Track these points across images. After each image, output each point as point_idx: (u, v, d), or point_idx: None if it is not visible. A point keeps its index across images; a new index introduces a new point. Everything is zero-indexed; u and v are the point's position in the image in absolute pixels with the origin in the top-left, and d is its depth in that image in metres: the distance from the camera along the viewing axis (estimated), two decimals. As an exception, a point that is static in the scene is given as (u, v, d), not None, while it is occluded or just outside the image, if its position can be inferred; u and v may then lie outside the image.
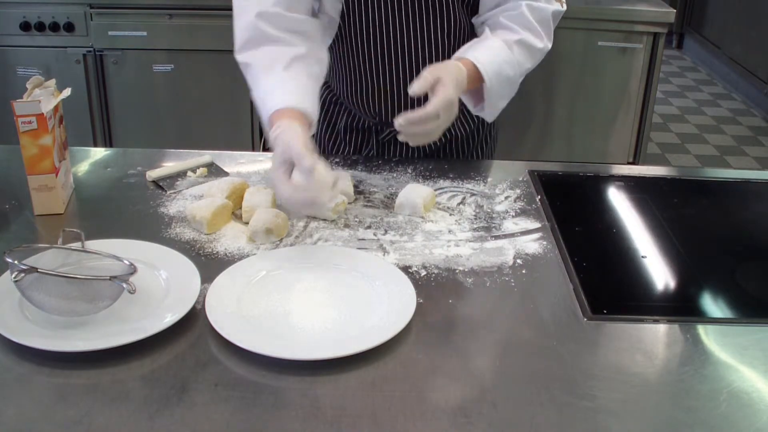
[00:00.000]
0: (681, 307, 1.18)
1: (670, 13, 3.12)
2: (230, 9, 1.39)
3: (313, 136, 1.66)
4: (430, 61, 1.47)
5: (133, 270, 1.05)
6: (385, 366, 0.99)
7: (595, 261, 1.25)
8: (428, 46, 1.46)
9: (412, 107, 1.43)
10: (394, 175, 1.50)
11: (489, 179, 1.51)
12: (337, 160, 1.56)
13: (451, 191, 1.45)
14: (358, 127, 1.63)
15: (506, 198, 1.43)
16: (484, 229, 1.32)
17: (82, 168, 1.51)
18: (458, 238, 1.28)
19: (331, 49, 1.50)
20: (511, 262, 1.22)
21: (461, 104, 1.41)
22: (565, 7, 1.49)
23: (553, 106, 3.33)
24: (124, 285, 1.01)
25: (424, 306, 1.10)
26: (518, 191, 1.46)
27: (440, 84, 1.27)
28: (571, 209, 1.43)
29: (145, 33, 3.06)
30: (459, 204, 1.40)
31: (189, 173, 1.48)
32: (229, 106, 3.16)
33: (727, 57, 5.22)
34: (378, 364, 0.99)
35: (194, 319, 1.05)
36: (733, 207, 1.52)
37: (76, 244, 1.14)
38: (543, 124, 3.35)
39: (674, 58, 5.85)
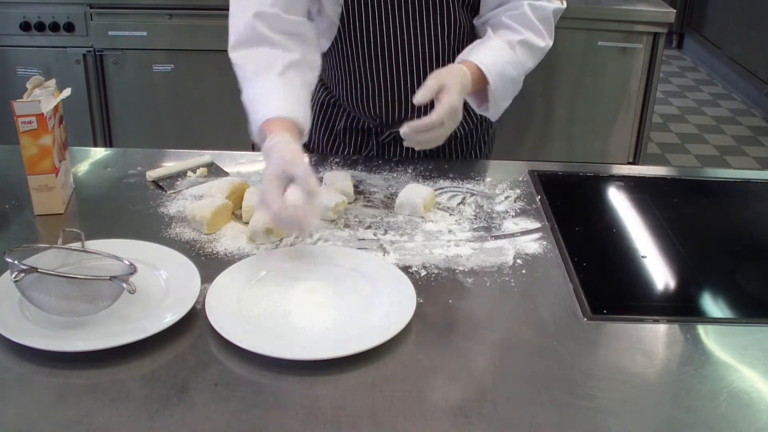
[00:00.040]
0: (681, 307, 1.18)
1: (670, 13, 3.12)
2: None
3: (309, 138, 1.68)
4: (431, 62, 1.47)
5: (133, 270, 1.05)
6: (385, 366, 0.99)
7: (595, 261, 1.25)
8: (429, 48, 1.46)
9: (414, 108, 1.44)
10: (394, 175, 1.50)
11: (489, 179, 1.51)
12: (337, 160, 1.56)
13: (451, 191, 1.45)
14: (357, 129, 1.63)
15: (506, 198, 1.43)
16: (484, 229, 1.32)
17: (82, 168, 1.51)
18: (458, 238, 1.28)
19: (330, 52, 1.50)
20: (511, 262, 1.22)
21: None
22: (565, 5, 1.49)
23: (553, 106, 3.33)
24: (124, 285, 1.01)
25: (424, 306, 1.10)
26: (518, 191, 1.46)
27: (444, 91, 1.29)
28: (571, 209, 1.43)
29: (145, 33, 3.06)
30: (459, 204, 1.40)
31: (189, 173, 1.48)
32: (229, 106, 3.14)
33: (727, 57, 5.22)
34: (378, 364, 0.99)
35: (194, 319, 1.06)
36: (733, 207, 1.52)
37: (76, 244, 1.14)
38: (543, 124, 3.35)
39: (674, 58, 5.85)
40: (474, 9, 1.47)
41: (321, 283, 1.15)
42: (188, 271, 1.14)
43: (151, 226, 1.30)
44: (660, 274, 1.26)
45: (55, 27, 3.03)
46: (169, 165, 1.50)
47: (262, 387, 0.94)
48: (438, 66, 1.46)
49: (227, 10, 1.38)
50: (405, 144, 1.32)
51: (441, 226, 1.32)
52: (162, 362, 0.98)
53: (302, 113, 1.27)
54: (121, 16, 3.05)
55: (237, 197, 1.34)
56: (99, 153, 1.60)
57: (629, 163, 3.37)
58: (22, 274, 0.98)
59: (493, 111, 1.47)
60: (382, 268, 1.18)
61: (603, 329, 1.09)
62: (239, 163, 1.53)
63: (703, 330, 1.09)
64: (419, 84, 1.46)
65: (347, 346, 0.99)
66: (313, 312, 1.09)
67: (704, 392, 0.96)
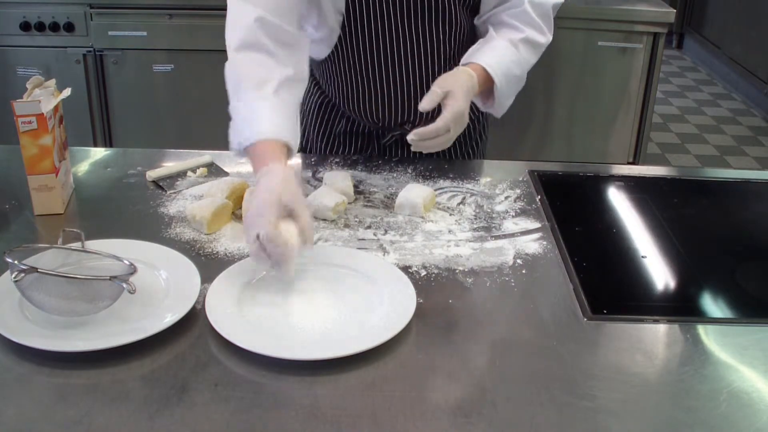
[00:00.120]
0: (681, 307, 1.18)
1: (670, 13, 3.12)
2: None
3: (307, 141, 1.67)
4: (433, 66, 1.47)
5: (133, 270, 1.05)
6: (385, 366, 0.99)
7: (595, 261, 1.25)
8: (431, 51, 1.46)
9: (416, 112, 1.45)
10: (394, 175, 1.50)
11: (489, 179, 1.51)
12: (337, 160, 1.56)
13: (451, 191, 1.45)
14: (357, 132, 1.62)
15: (506, 198, 1.43)
16: (484, 229, 1.32)
17: (82, 168, 1.51)
18: (458, 238, 1.28)
19: (329, 59, 1.50)
20: (511, 262, 1.22)
21: None
22: None
23: (553, 106, 3.32)
24: (124, 285, 1.01)
25: (424, 306, 1.10)
26: (518, 191, 1.46)
27: (450, 97, 1.31)
28: (571, 209, 1.43)
29: (145, 33, 3.06)
30: (459, 204, 1.40)
31: (189, 173, 1.48)
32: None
33: (727, 57, 5.22)
34: (378, 364, 0.99)
35: (194, 319, 1.05)
36: (733, 207, 1.52)
37: (76, 244, 1.14)
38: (543, 124, 3.35)
39: (674, 58, 5.84)
40: (474, 9, 1.47)
41: (321, 283, 1.14)
42: (188, 271, 1.14)
43: (151, 226, 1.30)
44: (660, 274, 1.26)
45: (55, 27, 3.03)
46: (169, 165, 1.50)
47: (262, 387, 0.94)
48: (440, 68, 1.47)
49: (226, 9, 1.38)
50: (412, 149, 1.34)
51: (441, 226, 1.32)
52: (162, 362, 0.98)
53: (293, 135, 1.26)
54: (121, 16, 3.05)
55: (237, 197, 1.34)
56: (99, 153, 1.60)
57: (629, 163, 3.37)
58: (22, 274, 0.98)
59: (498, 109, 1.49)
60: (382, 268, 1.18)
61: (603, 329, 1.09)
62: (239, 163, 1.53)
63: (703, 330, 1.09)
64: (422, 87, 1.47)
65: (347, 346, 0.99)
66: (313, 312, 1.09)
67: (704, 392, 0.96)
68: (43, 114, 1.25)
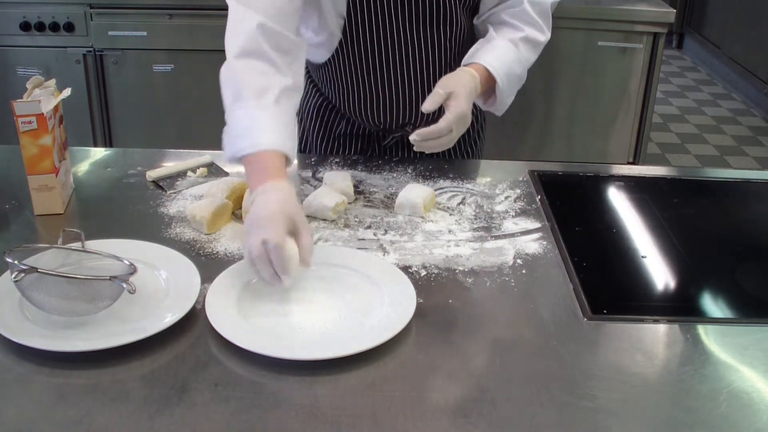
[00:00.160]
0: (681, 307, 1.18)
1: (670, 13, 3.12)
2: (230, 9, 1.38)
3: (307, 142, 1.67)
4: (434, 68, 1.48)
5: (133, 270, 1.05)
6: (385, 366, 0.99)
7: (595, 261, 1.25)
8: (432, 52, 1.46)
9: (418, 114, 1.45)
10: (394, 175, 1.50)
11: (489, 179, 1.51)
12: (337, 160, 1.56)
13: (451, 191, 1.45)
14: (357, 134, 1.62)
15: (506, 198, 1.43)
16: (484, 229, 1.32)
17: (82, 168, 1.51)
18: (458, 238, 1.28)
19: (329, 62, 1.49)
20: (511, 262, 1.22)
21: None
22: None
23: (553, 106, 3.32)
24: (124, 285, 1.01)
25: (424, 306, 1.10)
26: (518, 191, 1.46)
27: (453, 98, 1.32)
28: (571, 209, 1.43)
29: (145, 33, 3.06)
30: (459, 204, 1.40)
31: (189, 173, 1.48)
32: (229, 106, 3.15)
33: (727, 57, 5.22)
34: (378, 364, 0.99)
35: (194, 319, 1.06)
36: (733, 207, 1.52)
37: (76, 244, 1.14)
38: (543, 124, 3.35)
39: (674, 58, 5.84)
40: (474, 10, 1.47)
41: (321, 283, 1.14)
42: (188, 271, 1.14)
43: (151, 226, 1.30)
44: (660, 274, 1.26)
45: (55, 27, 3.03)
46: (169, 165, 1.50)
47: (262, 387, 0.94)
48: (441, 70, 1.47)
49: (227, 10, 1.37)
50: (414, 149, 1.34)
51: (441, 226, 1.32)
52: (162, 362, 0.98)
53: (292, 147, 1.25)
54: (121, 16, 3.05)
55: (237, 197, 1.34)
56: (99, 153, 1.60)
57: (629, 163, 3.37)
58: (22, 274, 0.98)
59: (500, 107, 1.50)
60: (382, 268, 1.18)
61: (603, 329, 1.09)
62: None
63: (703, 330, 1.09)
64: (423, 89, 1.47)
65: (347, 346, 0.99)
66: (313, 312, 1.09)
67: (704, 392, 0.96)
68: (43, 114, 1.25)
